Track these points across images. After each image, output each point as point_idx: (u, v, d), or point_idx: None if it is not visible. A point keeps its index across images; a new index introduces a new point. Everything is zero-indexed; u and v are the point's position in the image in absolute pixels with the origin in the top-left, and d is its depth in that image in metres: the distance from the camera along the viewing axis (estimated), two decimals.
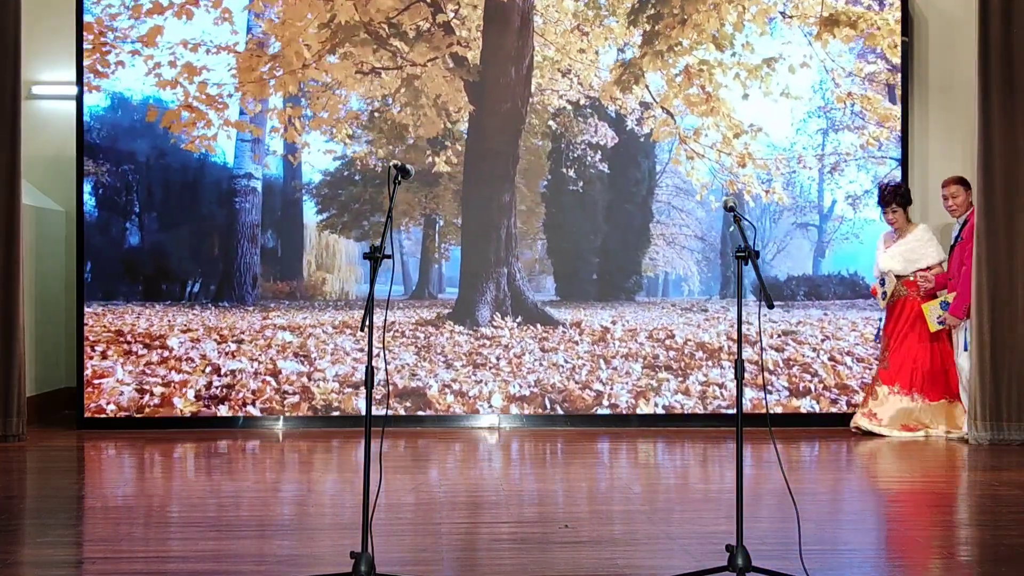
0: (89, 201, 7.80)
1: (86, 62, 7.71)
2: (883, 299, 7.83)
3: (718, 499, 5.52)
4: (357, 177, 7.93)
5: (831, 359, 8.20)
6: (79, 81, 7.71)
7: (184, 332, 7.81)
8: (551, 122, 8.12)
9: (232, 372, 7.77)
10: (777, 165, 8.25)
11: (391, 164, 4.34)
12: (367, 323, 4.09)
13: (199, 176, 7.89)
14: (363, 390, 7.37)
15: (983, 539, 4.89)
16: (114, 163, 7.82)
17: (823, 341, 8.22)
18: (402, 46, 7.92)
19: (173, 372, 7.73)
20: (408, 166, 4.36)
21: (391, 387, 7.58)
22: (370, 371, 4.12)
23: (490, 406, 7.80)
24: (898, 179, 8.08)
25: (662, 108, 8.15)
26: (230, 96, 7.80)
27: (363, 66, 7.87)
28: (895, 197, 7.74)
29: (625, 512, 5.22)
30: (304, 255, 7.96)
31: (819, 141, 8.28)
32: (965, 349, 7.42)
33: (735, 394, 4.44)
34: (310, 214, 7.96)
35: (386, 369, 4.33)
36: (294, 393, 7.74)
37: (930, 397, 7.67)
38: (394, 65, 7.90)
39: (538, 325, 8.07)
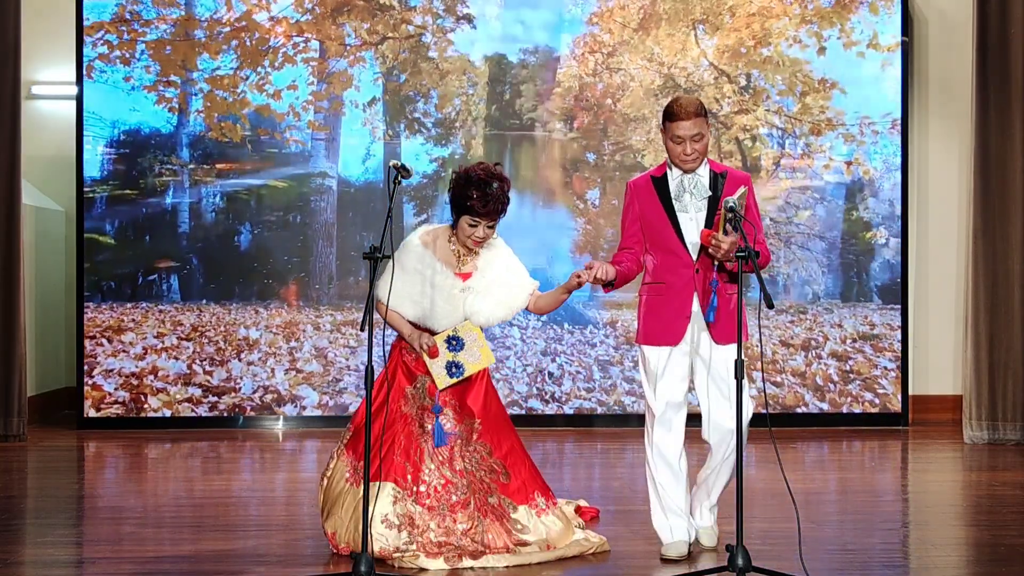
0: (207, 206, 7.80)
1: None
2: (454, 376, 4.56)
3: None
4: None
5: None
6: (79, 81, 7.70)
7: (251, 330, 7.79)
8: (614, 103, 7.83)
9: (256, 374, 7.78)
10: (863, 132, 7.77)
11: (391, 164, 4.32)
12: (367, 323, 4.09)
13: (289, 176, 7.85)
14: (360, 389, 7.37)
15: (982, 539, 4.89)
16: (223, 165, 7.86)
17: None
18: (398, 5, 7.80)
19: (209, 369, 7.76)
20: (408, 165, 4.33)
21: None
22: (369, 371, 4.12)
23: None
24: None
25: (707, 60, 7.64)
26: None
27: (372, 36, 7.78)
28: (505, 203, 4.56)
29: (625, 512, 5.22)
30: None
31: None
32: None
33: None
34: (409, 216, 7.85)
35: (386, 368, 4.33)
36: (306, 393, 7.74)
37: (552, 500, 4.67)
38: (401, 34, 7.76)
39: (565, 325, 7.84)
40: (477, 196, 4.48)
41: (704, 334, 4.41)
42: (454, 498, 4.44)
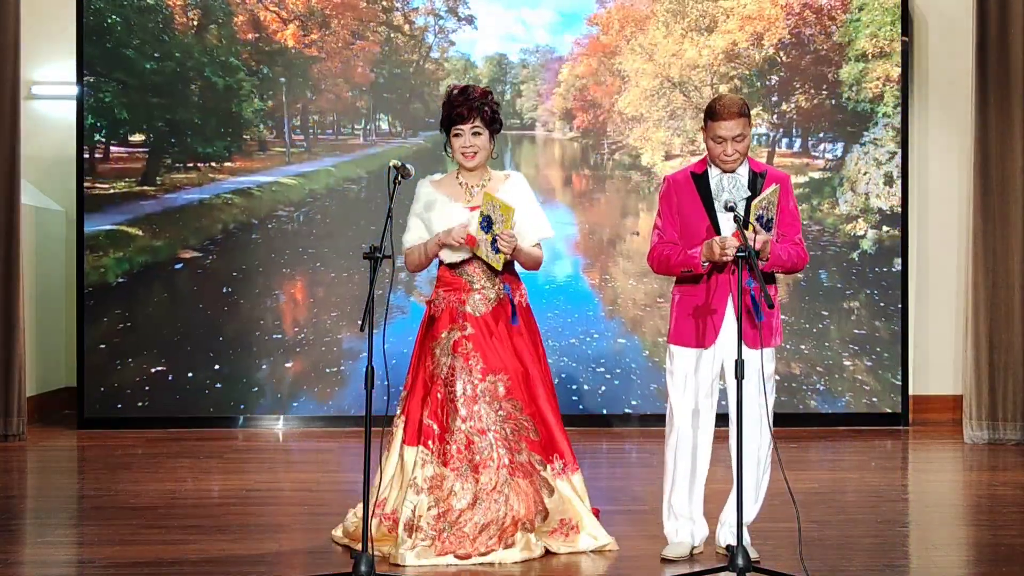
0: (213, 204, 7.78)
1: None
2: (499, 252, 4.45)
3: (720, 499, 5.52)
4: None
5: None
6: (79, 81, 7.70)
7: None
8: (614, 103, 7.85)
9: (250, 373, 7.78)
10: (863, 131, 7.78)
11: (391, 164, 4.32)
12: (367, 323, 4.09)
13: (294, 175, 7.86)
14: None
15: (982, 539, 4.90)
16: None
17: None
18: (400, 4, 7.80)
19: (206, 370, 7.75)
20: (408, 165, 4.34)
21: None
22: (370, 371, 4.12)
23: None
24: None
25: (705, 59, 7.58)
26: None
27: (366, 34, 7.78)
28: (485, 105, 4.56)
29: (626, 512, 5.22)
30: None
31: None
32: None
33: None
34: None
35: (386, 369, 4.31)
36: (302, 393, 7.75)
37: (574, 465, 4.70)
38: (404, 33, 7.74)
39: (567, 323, 7.77)
40: (458, 99, 4.53)
41: (736, 336, 4.23)
42: (477, 458, 4.45)
